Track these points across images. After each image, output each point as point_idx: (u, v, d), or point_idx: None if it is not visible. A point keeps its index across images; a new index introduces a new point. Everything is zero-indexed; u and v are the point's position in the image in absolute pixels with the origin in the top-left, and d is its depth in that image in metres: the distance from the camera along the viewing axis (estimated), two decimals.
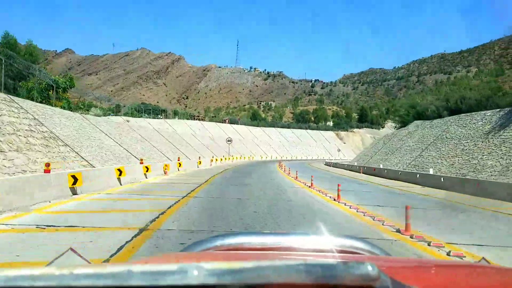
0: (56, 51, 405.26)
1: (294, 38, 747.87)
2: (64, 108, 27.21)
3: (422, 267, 1.17)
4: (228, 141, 55.94)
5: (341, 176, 32.25)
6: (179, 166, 29.89)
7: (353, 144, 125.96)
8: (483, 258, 1.43)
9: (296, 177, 25.89)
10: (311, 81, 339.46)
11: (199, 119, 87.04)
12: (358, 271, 0.53)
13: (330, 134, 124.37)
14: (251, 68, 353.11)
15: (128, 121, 46.70)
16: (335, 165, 63.98)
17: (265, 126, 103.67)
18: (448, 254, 6.52)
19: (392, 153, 44.37)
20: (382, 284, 0.52)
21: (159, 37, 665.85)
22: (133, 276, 0.52)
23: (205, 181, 21.43)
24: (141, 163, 23.16)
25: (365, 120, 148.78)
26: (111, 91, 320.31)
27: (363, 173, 38.08)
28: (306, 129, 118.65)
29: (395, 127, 71.68)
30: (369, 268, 0.53)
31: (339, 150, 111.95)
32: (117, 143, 28.35)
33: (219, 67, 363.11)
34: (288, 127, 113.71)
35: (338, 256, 1.16)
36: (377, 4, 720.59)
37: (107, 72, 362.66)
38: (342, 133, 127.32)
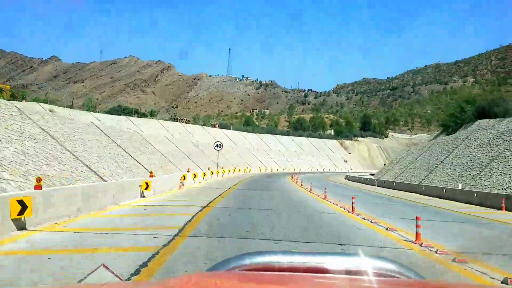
0: (42, 58, 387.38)
1: (286, 48, 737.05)
2: None
3: None
4: (216, 146, 39.32)
5: (386, 196, 24.47)
6: (146, 188, 13.79)
7: (358, 154, 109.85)
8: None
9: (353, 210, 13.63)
10: (304, 90, 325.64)
11: (182, 122, 70.53)
12: None
13: (334, 143, 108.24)
14: (243, 77, 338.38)
15: (51, 110, 29.91)
16: (359, 179, 48.05)
17: (261, 133, 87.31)
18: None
19: (437, 165, 33.03)
20: None
21: (148, 45, 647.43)
22: None
23: None
24: None
25: (368, 128, 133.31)
26: (97, 99, 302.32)
27: (407, 191, 29.47)
28: (307, 137, 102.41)
29: (432, 134, 56.18)
30: None
31: (346, 161, 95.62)
32: None
33: (210, 75, 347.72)
34: (288, 135, 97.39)
35: (367, 280, 1.10)
36: (368, 15, 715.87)
37: (94, 80, 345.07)
38: (347, 142, 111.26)
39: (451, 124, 43.51)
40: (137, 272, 5.21)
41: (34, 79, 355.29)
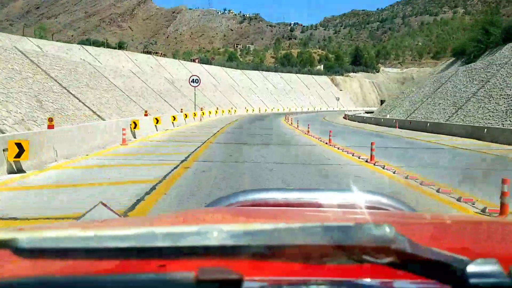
0: None
1: None
2: None
3: (446, 224, 1.14)
4: (192, 81, 31.31)
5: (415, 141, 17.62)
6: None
7: (351, 91, 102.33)
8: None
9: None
10: (290, 24, 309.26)
11: (156, 55, 60.68)
12: (374, 233, 0.53)
13: (324, 79, 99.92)
14: (225, 10, 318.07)
15: None
16: (363, 119, 41.25)
17: (247, 69, 78.24)
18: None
19: (468, 99, 26.13)
20: (398, 246, 0.52)
21: None
22: (156, 237, 0.53)
23: None
24: None
25: (360, 63, 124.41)
26: (72, 35, 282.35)
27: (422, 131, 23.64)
28: (296, 73, 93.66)
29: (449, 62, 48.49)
30: (386, 229, 0.53)
31: (338, 99, 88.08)
32: None
33: (190, 8, 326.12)
34: (275, 71, 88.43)
35: (360, 213, 1.14)
36: None
37: (67, 16, 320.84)
38: (338, 78, 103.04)
39: (473, 50, 35.77)
40: None
41: (4, 16, 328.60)
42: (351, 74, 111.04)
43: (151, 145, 14.06)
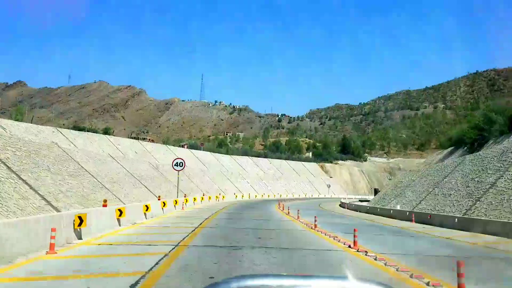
0: (7, 83, 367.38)
1: (259, 73, 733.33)
2: None
3: None
4: (176, 165, 28.49)
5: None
6: None
7: (340, 178, 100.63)
8: None
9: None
10: (277, 115, 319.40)
11: (144, 140, 58.65)
12: None
13: (314, 166, 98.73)
14: (216, 101, 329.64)
15: None
16: (368, 210, 37.98)
17: (236, 155, 76.65)
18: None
19: (486, 190, 23.53)
20: None
21: (118, 70, 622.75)
22: None
23: None
24: None
25: (347, 151, 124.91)
26: (63, 124, 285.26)
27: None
28: (286, 159, 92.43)
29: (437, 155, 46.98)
30: None
31: (329, 186, 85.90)
32: None
33: (183, 100, 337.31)
34: (265, 156, 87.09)
35: None
36: (337, 43, 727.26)
37: (61, 105, 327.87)
38: (328, 166, 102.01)
39: (476, 139, 34.26)
40: None
41: None
42: (340, 162, 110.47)
43: (92, 253, 9.57)
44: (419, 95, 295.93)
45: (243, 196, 51.97)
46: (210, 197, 39.49)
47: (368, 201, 61.31)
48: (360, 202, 55.91)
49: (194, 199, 32.66)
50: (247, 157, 77.08)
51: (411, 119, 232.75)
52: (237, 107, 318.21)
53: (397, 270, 7.90)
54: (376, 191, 68.42)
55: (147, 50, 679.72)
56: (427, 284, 6.86)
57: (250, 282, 1.17)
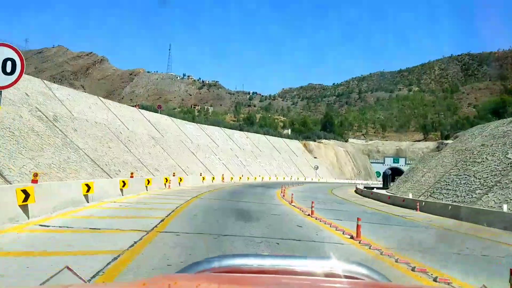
0: None
1: (231, 49, 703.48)
2: None
3: None
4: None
5: None
6: None
7: (326, 159, 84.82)
8: (483, 285, 1.23)
9: None
10: (249, 93, 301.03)
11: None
12: None
13: (297, 144, 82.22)
14: (184, 75, 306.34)
15: None
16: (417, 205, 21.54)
17: (205, 123, 58.82)
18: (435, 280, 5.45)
19: None
20: None
21: (80, 36, 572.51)
22: None
23: None
24: None
25: (330, 130, 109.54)
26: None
27: None
28: (265, 134, 75.34)
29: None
30: None
31: (317, 168, 69.81)
32: None
33: (148, 71, 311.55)
34: (240, 129, 69.58)
35: (336, 281, 1.07)
36: (314, 21, 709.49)
37: None
38: (312, 144, 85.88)
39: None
40: None
41: None
42: (324, 141, 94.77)
43: None
44: (394, 77, 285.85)
45: (213, 178, 34.80)
46: (167, 179, 22.32)
47: (383, 188, 45.75)
48: (377, 189, 40.54)
49: (123, 181, 15.31)
50: (218, 128, 59.34)
51: (388, 100, 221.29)
52: (207, 82, 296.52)
53: None
54: (385, 178, 52.38)
55: (110, 15, 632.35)
56: None
57: (231, 261, 1.14)
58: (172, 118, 48.47)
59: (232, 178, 39.19)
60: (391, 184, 49.24)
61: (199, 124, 54.05)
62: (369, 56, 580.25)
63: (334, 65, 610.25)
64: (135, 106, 48.84)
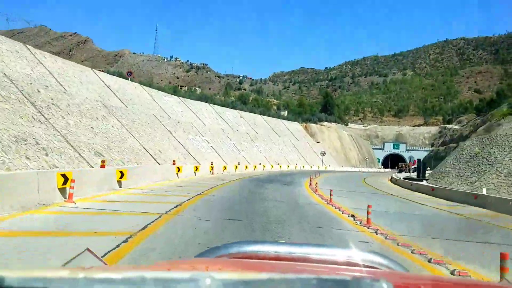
0: None
1: (220, 31, 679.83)
2: None
3: (438, 285, 1.05)
4: None
5: None
6: None
7: (330, 144, 73.58)
8: (505, 278, 1.21)
9: None
10: (239, 76, 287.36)
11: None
12: None
13: (297, 127, 70.75)
14: (171, 57, 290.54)
15: None
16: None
17: (190, 98, 46.78)
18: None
19: None
20: None
21: (63, 15, 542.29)
22: (145, 282, 0.47)
23: None
24: None
25: (331, 112, 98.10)
26: None
27: None
28: (261, 114, 63.54)
29: None
30: (384, 285, 0.46)
31: (323, 154, 58.49)
32: None
33: (134, 53, 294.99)
34: (233, 107, 57.63)
35: (353, 270, 1.04)
36: (305, 4, 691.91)
37: None
38: (314, 127, 74.49)
39: None
40: None
41: None
42: (325, 123, 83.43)
43: None
44: (387, 61, 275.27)
45: (197, 168, 23.18)
46: (123, 172, 10.89)
47: (418, 179, 34.70)
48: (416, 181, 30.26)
49: None
50: (206, 104, 47.34)
51: (383, 84, 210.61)
52: (195, 65, 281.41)
53: None
54: (422, 166, 40.67)
55: None
56: None
57: (248, 247, 1.15)
58: (145, 86, 36.37)
59: (225, 168, 27.49)
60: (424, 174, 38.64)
61: (182, 98, 41.97)
62: (363, 40, 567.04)
63: (326, 49, 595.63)
64: (100, 70, 36.42)
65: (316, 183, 18.31)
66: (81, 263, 0.94)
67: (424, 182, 30.88)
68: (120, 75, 40.32)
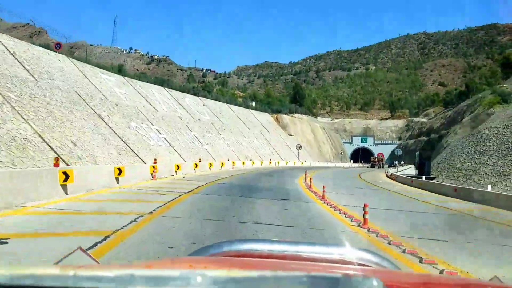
0: None
1: (182, 23, 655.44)
2: None
3: (430, 284, 1.06)
4: None
5: None
6: None
7: (303, 137, 66.54)
8: (495, 276, 1.24)
9: None
10: (202, 70, 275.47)
11: None
12: (363, 286, 0.45)
13: (267, 117, 63.13)
14: (131, 49, 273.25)
15: None
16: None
17: (142, 80, 37.81)
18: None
19: None
20: None
21: (15, 5, 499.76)
22: (135, 280, 0.46)
23: None
24: None
25: (301, 104, 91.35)
26: None
27: None
28: (227, 103, 55.36)
29: None
30: (374, 283, 0.45)
31: (299, 148, 51.16)
32: None
33: (91, 45, 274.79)
34: (194, 94, 49.06)
35: (345, 268, 1.04)
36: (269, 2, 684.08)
37: None
38: (286, 118, 67.15)
39: None
40: None
41: None
42: (296, 115, 76.39)
43: None
44: (350, 56, 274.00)
45: (154, 170, 14.98)
46: None
47: (420, 175, 27.91)
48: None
49: None
50: (160, 87, 38.58)
51: (350, 77, 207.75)
52: (156, 57, 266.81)
53: None
54: (422, 163, 33.44)
55: None
56: None
57: (241, 245, 1.13)
58: (76, 60, 27.36)
59: (178, 167, 19.10)
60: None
61: (128, 78, 33.00)
62: (326, 34, 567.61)
63: (290, 44, 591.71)
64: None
65: (324, 193, 9.98)
66: (72, 261, 0.91)
67: (434, 180, 24.11)
68: (47, 47, 30.87)
